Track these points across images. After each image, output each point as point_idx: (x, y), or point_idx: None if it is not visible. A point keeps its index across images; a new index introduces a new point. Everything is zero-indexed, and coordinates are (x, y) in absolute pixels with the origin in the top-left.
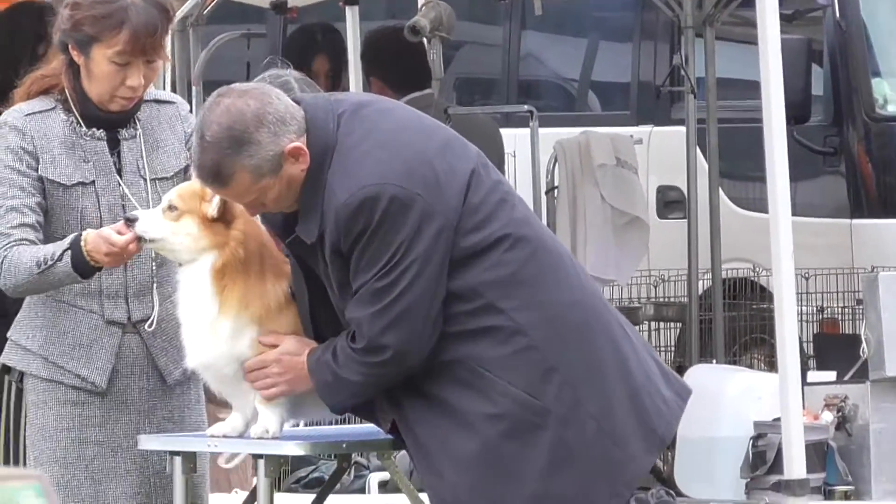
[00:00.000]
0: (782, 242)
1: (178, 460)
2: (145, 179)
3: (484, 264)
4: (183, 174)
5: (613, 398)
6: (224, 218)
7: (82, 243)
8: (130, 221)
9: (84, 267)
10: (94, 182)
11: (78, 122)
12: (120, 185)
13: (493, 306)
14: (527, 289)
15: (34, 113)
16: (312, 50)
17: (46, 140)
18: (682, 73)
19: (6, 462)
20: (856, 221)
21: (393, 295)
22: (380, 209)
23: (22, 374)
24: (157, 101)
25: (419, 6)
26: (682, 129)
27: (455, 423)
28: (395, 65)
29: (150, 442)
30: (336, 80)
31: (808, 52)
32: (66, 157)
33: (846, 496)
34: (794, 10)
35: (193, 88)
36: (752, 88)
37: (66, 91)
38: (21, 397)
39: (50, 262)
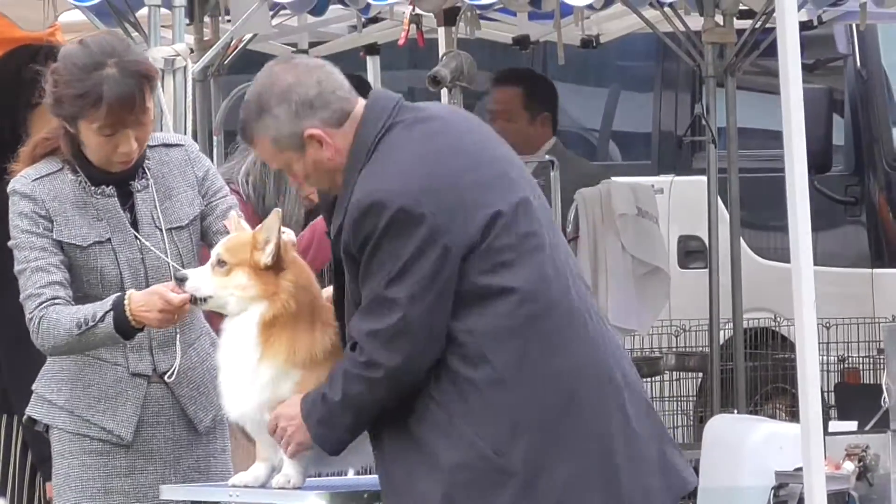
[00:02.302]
0: (804, 292)
1: None
2: (161, 230)
3: (487, 310)
4: (199, 222)
5: (585, 474)
6: (276, 265)
7: (126, 302)
8: (181, 281)
9: (126, 327)
10: (109, 240)
11: (87, 182)
12: (137, 238)
13: (482, 355)
14: (522, 345)
15: (42, 177)
16: None
17: (58, 202)
18: (704, 122)
19: None
20: (877, 271)
21: (394, 311)
22: (386, 216)
23: (48, 425)
24: (166, 146)
25: (440, 56)
26: (704, 178)
27: (427, 467)
28: None
29: (172, 492)
30: None
31: (829, 101)
32: (80, 218)
33: None
34: (815, 60)
35: (215, 138)
36: (773, 138)
37: (66, 155)
38: (27, 446)
39: (91, 324)
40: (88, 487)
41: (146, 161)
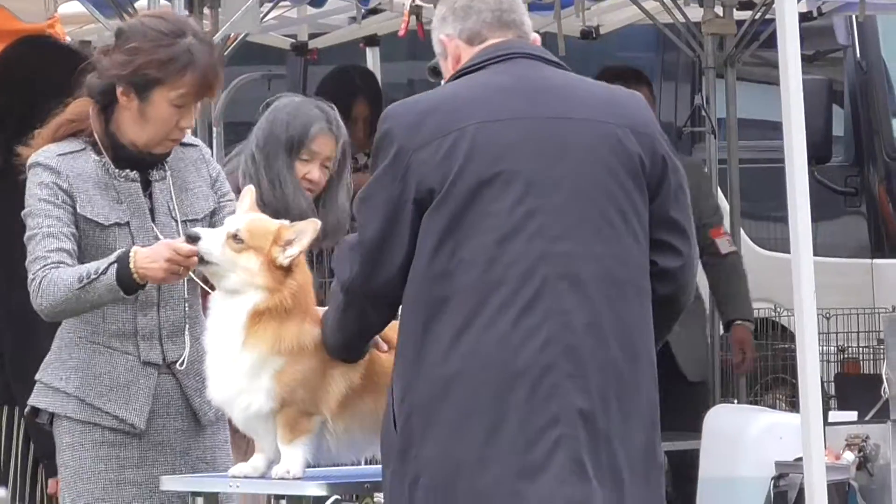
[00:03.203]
0: (804, 282)
1: (200, 501)
2: (176, 221)
3: (415, 266)
4: (210, 217)
5: (448, 459)
6: (288, 267)
7: (131, 256)
8: (193, 239)
9: (128, 281)
10: (128, 223)
11: (110, 164)
12: (153, 227)
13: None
14: (426, 317)
15: (65, 154)
16: (351, 93)
17: (81, 180)
18: (703, 113)
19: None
20: (877, 261)
21: (360, 228)
22: (379, 131)
23: (52, 416)
24: (182, 144)
25: None
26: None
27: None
28: None
29: (173, 483)
30: (375, 124)
31: (828, 92)
32: (101, 198)
33: None
34: (815, 51)
35: (214, 129)
36: (772, 128)
37: (96, 135)
38: (29, 438)
39: (93, 276)
40: (101, 479)
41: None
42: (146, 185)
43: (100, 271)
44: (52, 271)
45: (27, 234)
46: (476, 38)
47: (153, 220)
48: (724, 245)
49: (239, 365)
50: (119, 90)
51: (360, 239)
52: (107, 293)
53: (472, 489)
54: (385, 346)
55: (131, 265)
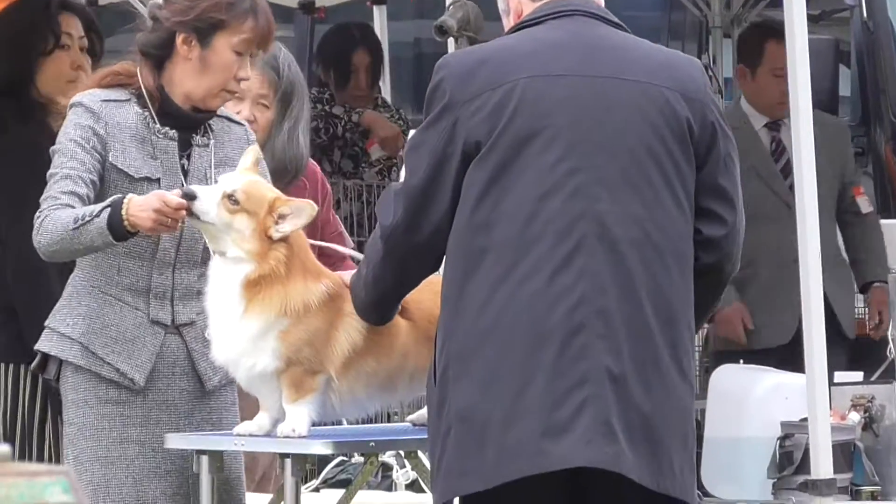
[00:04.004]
0: (809, 242)
1: (204, 459)
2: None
3: (458, 217)
4: None
5: (474, 414)
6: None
7: (125, 202)
8: (189, 198)
9: (118, 227)
10: (159, 180)
11: (152, 118)
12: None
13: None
14: (464, 269)
15: (110, 100)
16: (351, 45)
17: (119, 129)
18: (710, 73)
19: (27, 457)
20: (883, 221)
21: (406, 175)
22: (433, 81)
23: (58, 372)
24: (229, 120)
25: (447, 6)
26: None
27: None
28: None
29: (177, 441)
30: (375, 75)
31: (835, 52)
32: (136, 151)
33: (873, 496)
34: (821, 11)
35: None
36: None
37: (145, 89)
38: (35, 396)
39: (87, 218)
40: (104, 437)
41: (211, 122)
42: (185, 147)
43: (94, 214)
44: (55, 211)
45: (49, 170)
46: None
47: (186, 183)
48: (864, 204)
49: (244, 328)
50: (180, 39)
51: (405, 186)
52: (98, 236)
53: (499, 445)
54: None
55: (123, 211)
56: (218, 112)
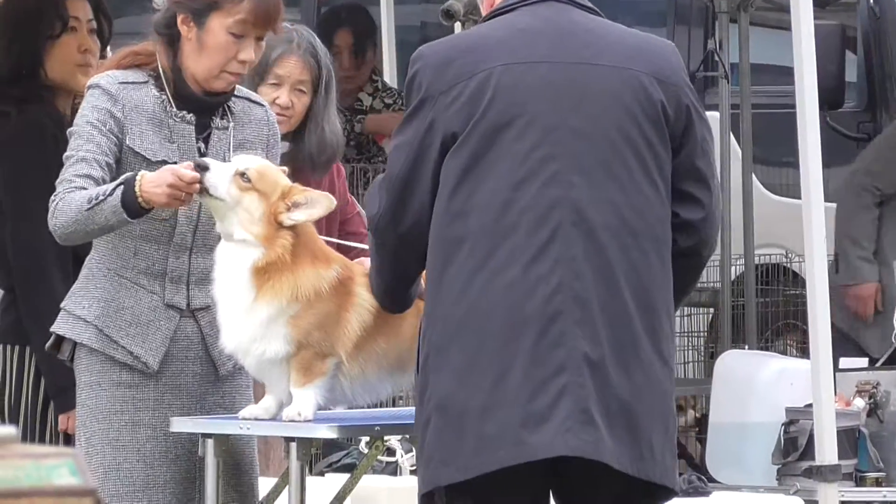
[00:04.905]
0: (815, 228)
1: (210, 443)
2: None
3: (437, 202)
4: None
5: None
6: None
7: (138, 179)
8: (202, 169)
9: (133, 204)
10: (175, 163)
11: (169, 102)
12: None
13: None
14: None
15: (128, 83)
16: (335, 25)
17: (136, 112)
18: (716, 58)
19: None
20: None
21: (388, 168)
22: (409, 73)
23: (73, 352)
24: (249, 100)
25: None
26: (716, 114)
27: None
28: None
29: (182, 424)
30: (360, 55)
31: (841, 37)
32: (153, 134)
33: (877, 482)
34: None
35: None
36: (785, 74)
37: (162, 69)
38: (40, 379)
39: (101, 197)
40: (115, 420)
41: (231, 104)
42: (203, 129)
43: (107, 193)
44: (69, 194)
45: (66, 153)
46: None
47: None
48: None
49: (255, 316)
50: (179, 19)
51: (387, 177)
52: (112, 215)
53: (478, 435)
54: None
55: (137, 188)
56: (238, 93)
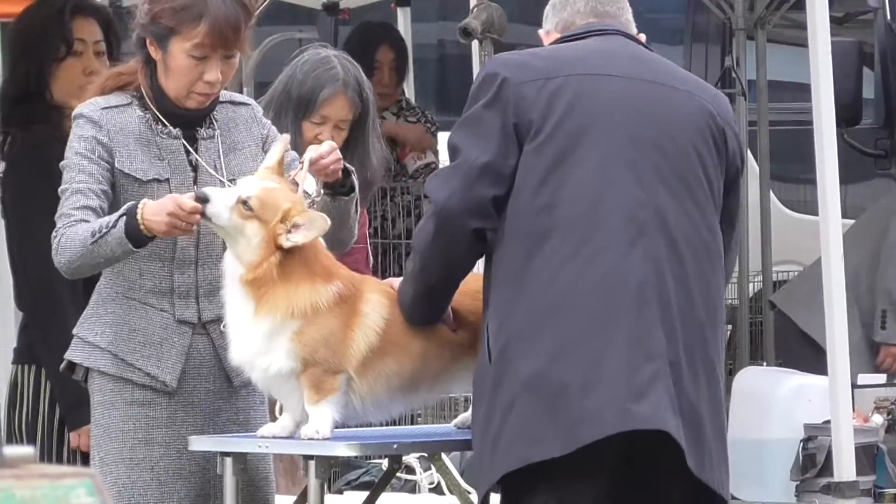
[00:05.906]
0: (832, 245)
1: (228, 461)
2: (222, 181)
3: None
4: None
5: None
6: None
7: (139, 208)
8: (202, 201)
9: (136, 233)
10: (168, 180)
11: (154, 120)
12: (194, 185)
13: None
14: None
15: (110, 107)
16: (376, 42)
17: (122, 135)
18: (734, 75)
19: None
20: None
21: (464, 152)
22: (485, 72)
23: (87, 372)
24: (233, 103)
25: (471, 7)
26: None
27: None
28: None
29: (201, 443)
30: (400, 72)
31: (858, 54)
32: (142, 154)
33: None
34: (844, 13)
35: (244, 89)
36: (803, 91)
37: (143, 89)
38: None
39: (105, 230)
40: (129, 438)
41: (214, 113)
42: (191, 143)
43: (110, 225)
44: (70, 228)
45: (61, 187)
46: (570, 26)
47: (197, 179)
48: None
49: (256, 329)
50: (147, 42)
51: (460, 162)
52: (117, 246)
53: (578, 410)
54: (453, 324)
55: (139, 217)
56: (221, 98)
